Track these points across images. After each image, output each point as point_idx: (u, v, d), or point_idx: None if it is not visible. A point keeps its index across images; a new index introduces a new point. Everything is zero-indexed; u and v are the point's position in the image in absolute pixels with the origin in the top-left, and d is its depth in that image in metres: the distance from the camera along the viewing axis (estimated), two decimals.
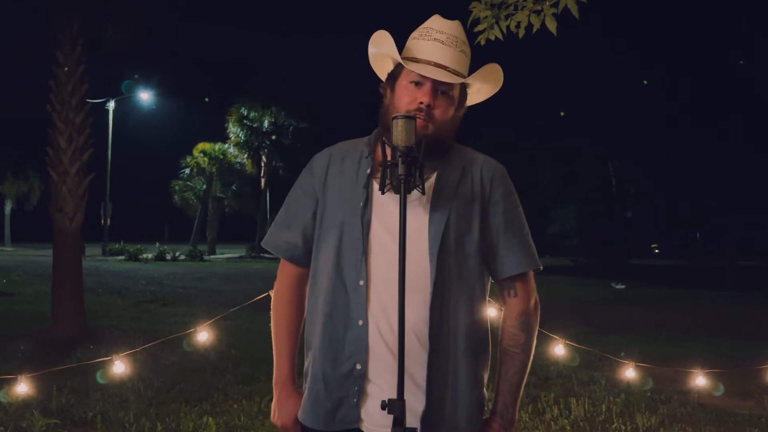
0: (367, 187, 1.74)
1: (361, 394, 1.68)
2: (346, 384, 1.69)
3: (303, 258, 1.83)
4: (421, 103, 1.68)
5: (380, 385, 1.67)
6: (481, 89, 1.83)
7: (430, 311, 1.65)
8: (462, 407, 1.70)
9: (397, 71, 1.76)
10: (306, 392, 1.78)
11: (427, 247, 1.68)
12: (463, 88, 1.78)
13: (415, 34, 1.77)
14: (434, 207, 1.71)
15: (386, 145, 1.61)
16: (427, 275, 1.67)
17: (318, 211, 1.80)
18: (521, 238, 1.78)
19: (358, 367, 1.67)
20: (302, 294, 1.86)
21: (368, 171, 1.76)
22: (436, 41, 1.73)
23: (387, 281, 1.67)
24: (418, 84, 1.71)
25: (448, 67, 1.71)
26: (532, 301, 1.78)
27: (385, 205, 1.72)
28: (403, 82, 1.73)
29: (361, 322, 1.68)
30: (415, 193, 1.58)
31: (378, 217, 1.72)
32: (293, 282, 1.86)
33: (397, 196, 1.56)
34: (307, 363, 1.80)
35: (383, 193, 1.61)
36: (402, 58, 1.74)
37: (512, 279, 1.77)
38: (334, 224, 1.74)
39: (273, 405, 1.86)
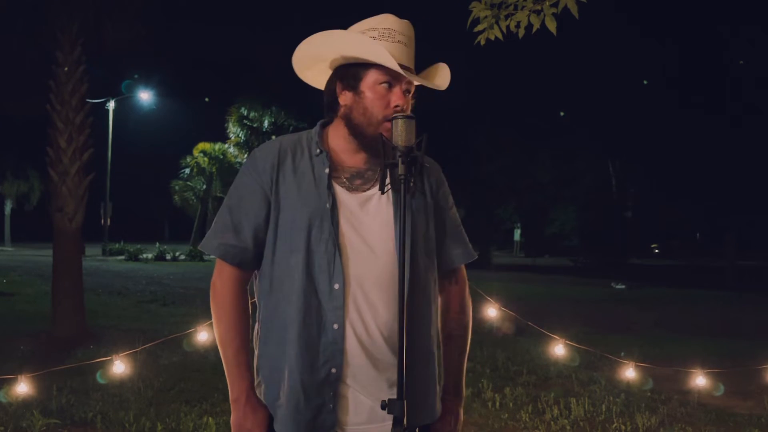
0: (330, 187, 1.71)
1: (337, 398, 1.67)
2: (324, 390, 1.66)
3: (252, 263, 1.76)
4: (397, 106, 1.68)
5: (356, 387, 1.67)
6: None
7: (407, 308, 1.60)
8: (432, 395, 1.79)
9: (359, 72, 1.71)
10: (284, 404, 1.69)
11: (396, 246, 1.67)
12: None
13: (374, 34, 1.70)
14: (397, 205, 1.68)
15: (344, 144, 1.73)
16: (396, 274, 1.63)
17: (271, 212, 1.73)
18: (462, 233, 1.93)
19: (333, 371, 1.65)
20: (247, 299, 1.80)
21: (326, 170, 1.72)
22: (399, 43, 1.71)
23: (360, 283, 1.67)
24: (388, 85, 1.70)
25: (411, 69, 1.73)
26: (467, 287, 1.94)
27: (348, 205, 1.71)
28: (369, 83, 1.70)
29: (336, 326, 1.65)
30: (377, 193, 1.68)
31: (344, 217, 1.70)
32: (240, 288, 1.77)
33: (358, 194, 1.70)
34: (263, 374, 1.74)
35: (383, 193, 1.62)
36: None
37: (455, 269, 1.90)
38: (298, 227, 1.69)
39: (236, 421, 1.72)
